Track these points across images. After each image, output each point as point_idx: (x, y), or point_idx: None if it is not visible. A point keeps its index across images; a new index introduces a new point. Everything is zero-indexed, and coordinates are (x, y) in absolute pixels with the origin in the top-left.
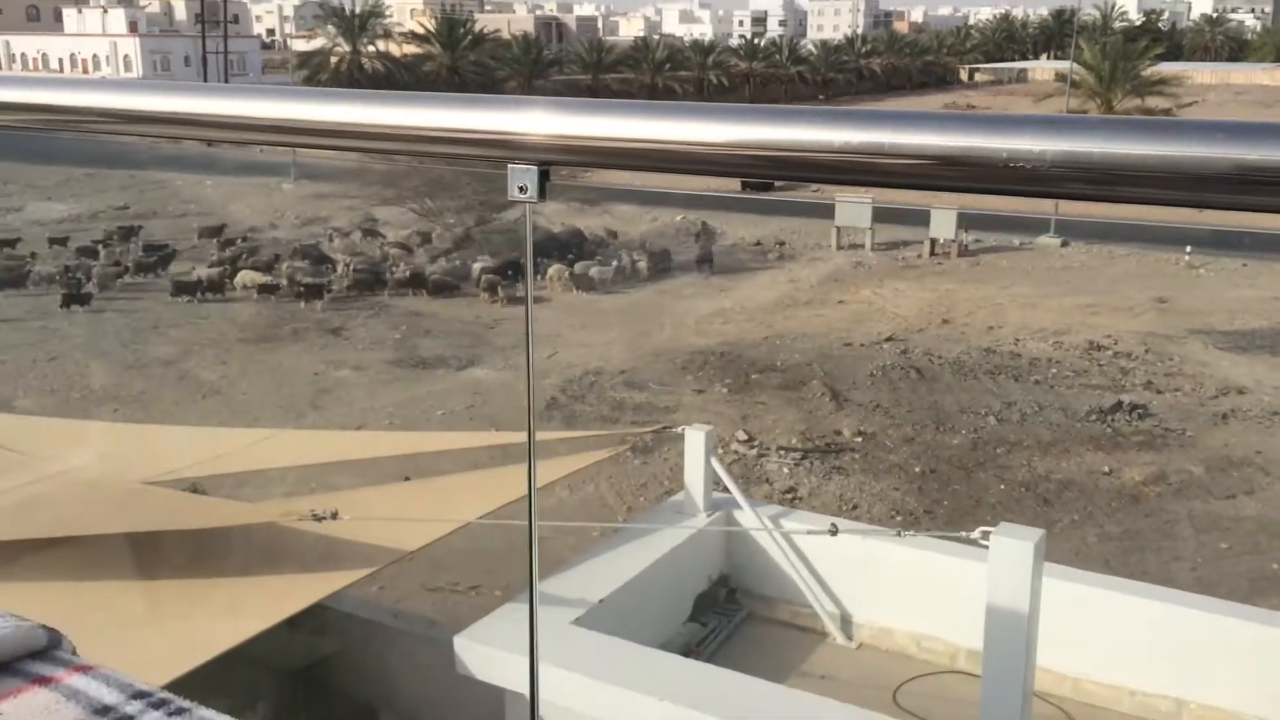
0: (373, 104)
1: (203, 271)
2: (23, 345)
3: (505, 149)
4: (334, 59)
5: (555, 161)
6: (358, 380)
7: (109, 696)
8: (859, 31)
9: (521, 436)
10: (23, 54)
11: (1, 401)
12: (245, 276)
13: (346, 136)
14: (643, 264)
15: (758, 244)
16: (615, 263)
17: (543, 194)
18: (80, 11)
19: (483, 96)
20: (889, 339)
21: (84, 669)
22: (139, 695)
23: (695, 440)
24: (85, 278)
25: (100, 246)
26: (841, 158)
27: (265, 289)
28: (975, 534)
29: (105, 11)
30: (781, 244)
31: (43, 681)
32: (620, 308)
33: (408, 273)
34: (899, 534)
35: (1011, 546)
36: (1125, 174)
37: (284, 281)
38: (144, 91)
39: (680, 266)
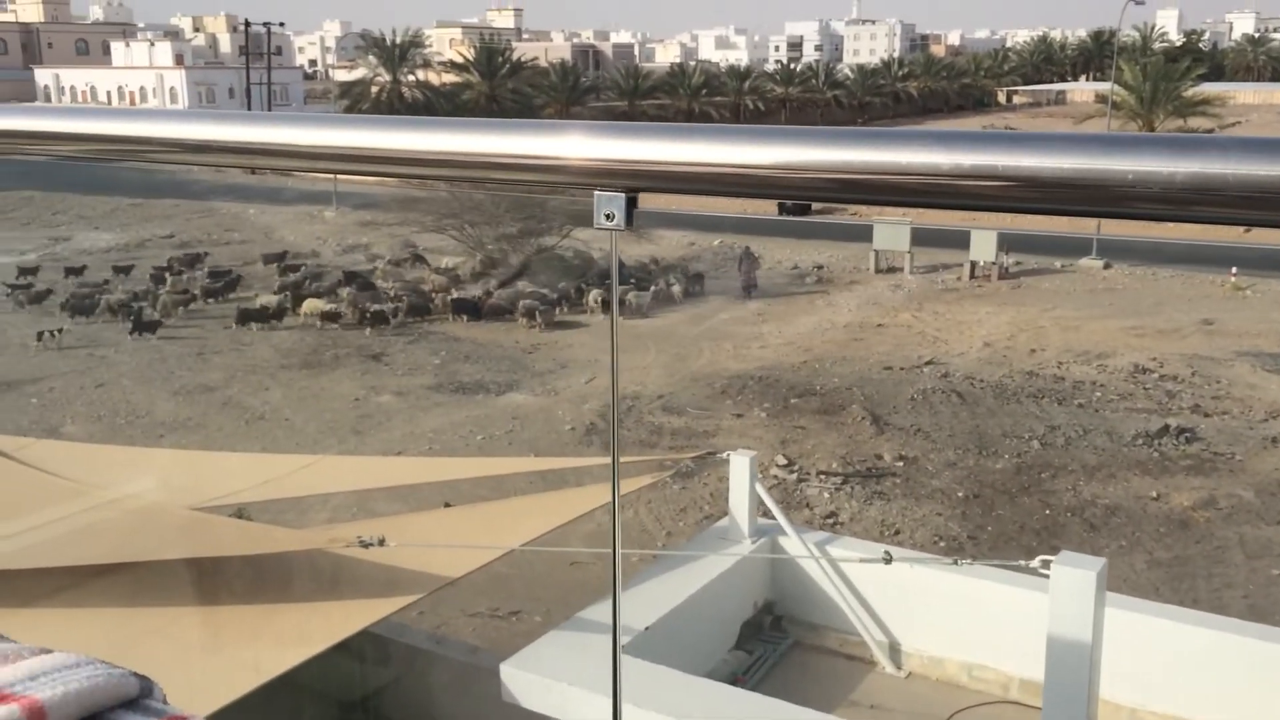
0: (460, 131)
1: (265, 299)
2: (94, 371)
3: (593, 175)
4: (374, 88)
5: (644, 188)
6: (399, 406)
7: None
8: (895, 55)
9: (561, 463)
10: (72, 86)
11: (73, 430)
12: (310, 305)
13: (432, 165)
14: (677, 288)
15: (795, 268)
16: (653, 287)
17: (630, 221)
18: (128, 45)
19: (571, 123)
20: (929, 363)
21: (179, 719)
22: None
23: (740, 465)
24: (152, 305)
25: (166, 274)
26: (951, 182)
27: (328, 316)
28: (1035, 563)
29: (152, 44)
30: (820, 268)
31: None
32: (658, 332)
33: (456, 296)
34: (955, 562)
35: (1074, 576)
36: (1264, 197)
37: (346, 309)
38: (214, 121)
39: (716, 290)
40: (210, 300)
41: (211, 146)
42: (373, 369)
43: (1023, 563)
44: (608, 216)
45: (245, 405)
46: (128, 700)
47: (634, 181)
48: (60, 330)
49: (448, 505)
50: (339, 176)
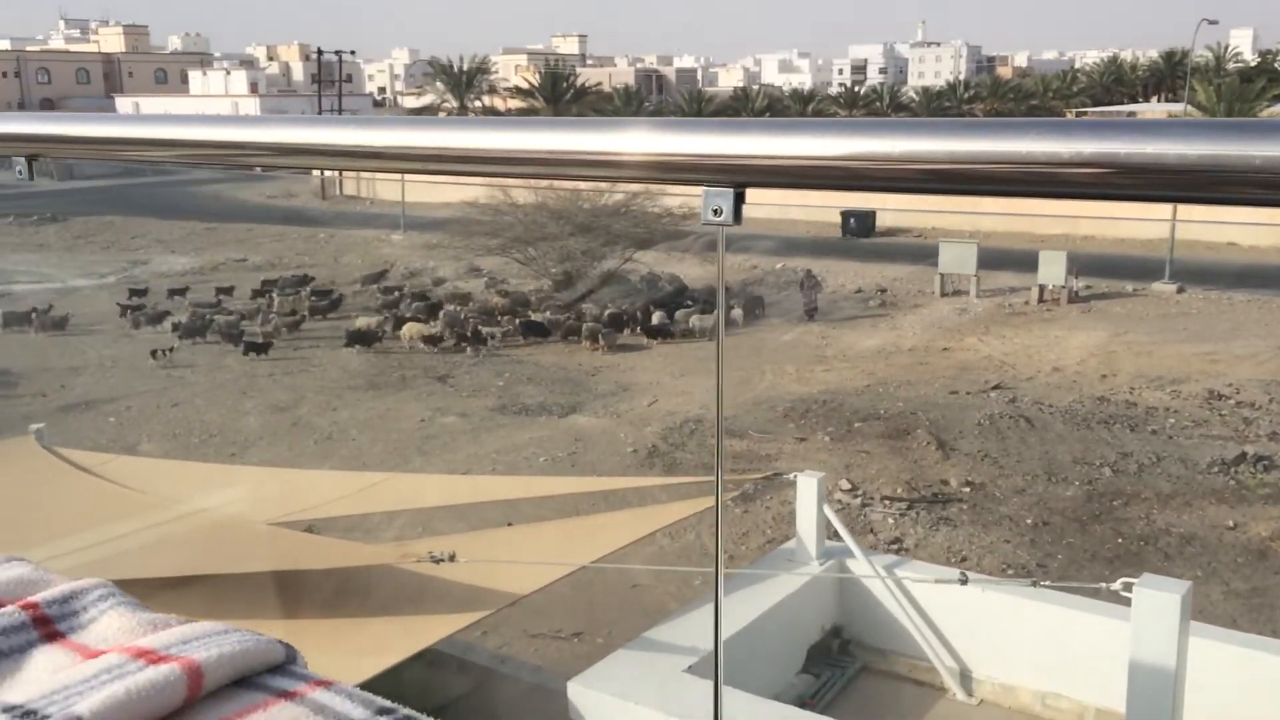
0: (569, 130)
1: (364, 319)
2: (170, 391)
3: (701, 171)
4: (441, 114)
5: (752, 183)
6: (463, 427)
7: (355, 712)
8: (961, 77)
9: (623, 484)
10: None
11: (149, 448)
12: (411, 329)
13: (541, 164)
14: (738, 311)
15: (858, 291)
16: (717, 311)
17: (738, 217)
18: (205, 73)
19: (678, 120)
20: (996, 387)
21: (324, 684)
22: (383, 711)
23: (807, 487)
24: (264, 324)
25: (273, 293)
26: (1072, 171)
27: (429, 340)
28: (1116, 585)
29: (228, 73)
30: (883, 291)
31: (287, 696)
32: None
33: (515, 318)
34: (1034, 584)
35: (1157, 599)
36: None
37: (444, 331)
38: (302, 125)
39: (778, 313)
40: (317, 317)
41: (300, 149)
42: (438, 390)
43: (1103, 585)
44: (715, 212)
45: (314, 425)
46: (275, 665)
47: (742, 177)
48: (171, 349)
49: (510, 524)
50: (409, 196)
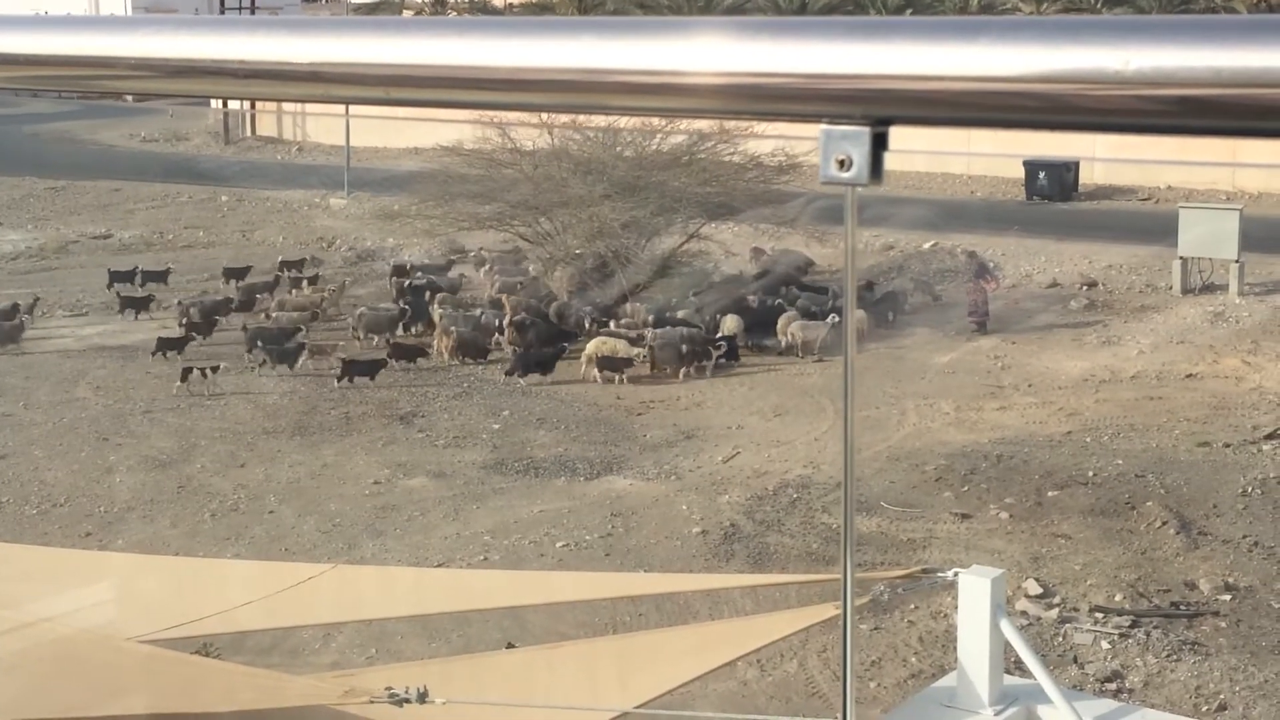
0: (607, 38)
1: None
2: None
3: (817, 101)
4: (408, 12)
5: (899, 118)
6: (438, 493)
7: None
8: None
9: (686, 583)
10: None
11: None
12: (599, 346)
13: (563, 90)
14: (860, 312)
15: (1053, 285)
16: (831, 317)
17: (877, 170)
18: None
19: (779, 21)
20: (1271, 436)
21: None
22: None
23: (975, 591)
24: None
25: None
26: None
27: (609, 364)
28: None
29: None
30: (1091, 285)
31: None
32: (837, 383)
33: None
34: None
35: None
36: None
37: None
38: (207, 31)
39: (926, 319)
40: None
41: (192, 68)
42: (400, 437)
43: None
44: (840, 163)
45: (210, 489)
46: None
47: (884, 108)
48: (215, 369)
49: (512, 646)
50: (358, 139)
